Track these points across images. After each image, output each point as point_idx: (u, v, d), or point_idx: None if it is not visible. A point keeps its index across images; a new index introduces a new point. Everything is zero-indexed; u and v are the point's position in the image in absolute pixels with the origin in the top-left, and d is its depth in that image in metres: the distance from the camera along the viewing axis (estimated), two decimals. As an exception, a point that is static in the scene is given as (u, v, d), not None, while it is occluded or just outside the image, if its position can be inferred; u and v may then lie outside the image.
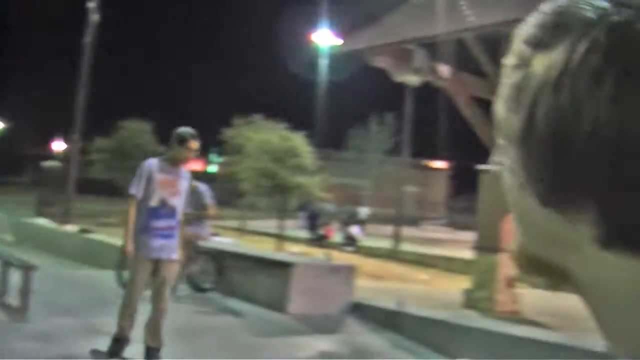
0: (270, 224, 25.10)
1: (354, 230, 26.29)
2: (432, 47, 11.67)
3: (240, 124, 25.90)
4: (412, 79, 12.36)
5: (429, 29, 11.12)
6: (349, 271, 10.84)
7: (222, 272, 10.75)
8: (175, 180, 6.70)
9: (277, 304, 9.81)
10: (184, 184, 6.77)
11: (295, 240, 23.03)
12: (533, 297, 10.93)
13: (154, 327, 6.59)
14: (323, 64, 37.48)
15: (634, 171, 0.54)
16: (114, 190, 34.42)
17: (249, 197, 25.95)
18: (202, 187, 10.26)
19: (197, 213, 10.06)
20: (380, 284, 15.10)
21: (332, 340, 8.85)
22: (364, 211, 33.68)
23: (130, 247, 6.51)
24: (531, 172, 0.59)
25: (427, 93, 16.48)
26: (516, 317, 10.16)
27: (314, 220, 27.58)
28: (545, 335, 8.01)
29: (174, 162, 6.74)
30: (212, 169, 71.32)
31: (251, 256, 11.40)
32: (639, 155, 0.53)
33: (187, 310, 9.34)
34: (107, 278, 10.54)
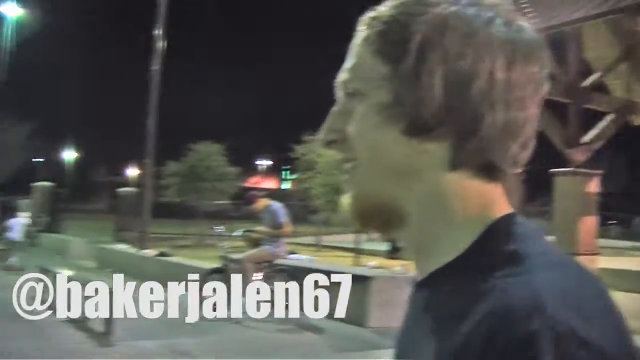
0: (346, 238, 25.02)
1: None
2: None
3: (310, 141, 25.97)
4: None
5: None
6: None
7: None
8: None
9: (357, 318, 9.71)
10: None
11: (373, 253, 22.85)
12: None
13: None
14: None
15: (475, 107, 0.76)
16: (187, 213, 34.98)
17: (323, 213, 25.98)
18: (276, 206, 10.28)
19: (272, 232, 10.13)
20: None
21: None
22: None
23: None
24: (409, 105, 0.77)
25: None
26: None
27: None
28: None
29: None
30: (286, 186, 72.03)
31: (327, 271, 11.32)
32: (475, 96, 0.76)
33: (267, 329, 9.32)
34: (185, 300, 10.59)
